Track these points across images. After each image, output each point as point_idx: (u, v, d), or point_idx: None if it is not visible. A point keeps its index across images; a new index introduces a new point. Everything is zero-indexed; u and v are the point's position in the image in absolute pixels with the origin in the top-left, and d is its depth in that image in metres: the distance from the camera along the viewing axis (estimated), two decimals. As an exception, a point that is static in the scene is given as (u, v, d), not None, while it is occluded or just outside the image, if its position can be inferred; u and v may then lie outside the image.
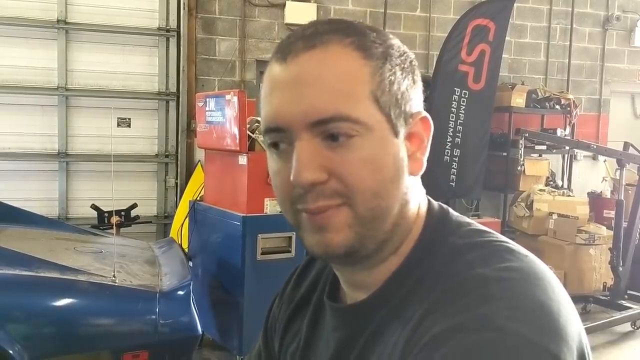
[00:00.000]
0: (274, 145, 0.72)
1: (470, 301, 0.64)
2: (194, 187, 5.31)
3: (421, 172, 0.75)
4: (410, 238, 0.76)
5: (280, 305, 0.94)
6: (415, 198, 0.76)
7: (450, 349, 0.62)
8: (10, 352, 2.76)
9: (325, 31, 0.70)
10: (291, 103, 0.69)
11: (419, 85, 0.76)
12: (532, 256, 0.72)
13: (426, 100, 0.78)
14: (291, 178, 0.68)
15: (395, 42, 0.74)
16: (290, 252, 3.88)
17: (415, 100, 0.74)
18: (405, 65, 0.73)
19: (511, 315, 0.62)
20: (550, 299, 0.66)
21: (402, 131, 0.72)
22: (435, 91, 5.78)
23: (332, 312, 0.82)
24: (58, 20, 5.60)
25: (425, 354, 0.64)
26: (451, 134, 5.92)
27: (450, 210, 0.80)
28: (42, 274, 3.03)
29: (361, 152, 0.68)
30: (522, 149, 5.66)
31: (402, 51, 0.74)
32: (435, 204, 0.80)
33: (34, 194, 5.60)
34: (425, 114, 0.75)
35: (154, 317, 3.02)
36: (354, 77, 0.69)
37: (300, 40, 0.70)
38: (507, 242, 0.73)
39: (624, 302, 5.39)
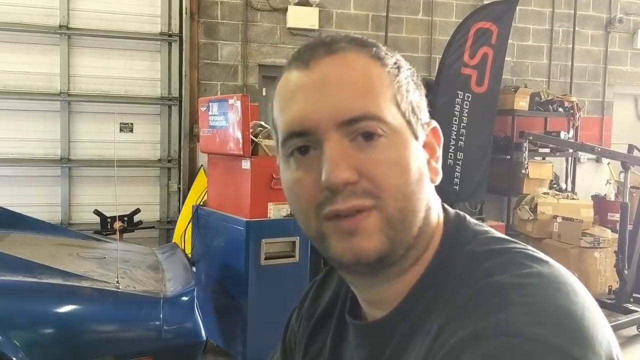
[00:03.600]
0: (298, 150, 0.70)
1: (488, 309, 0.63)
2: (197, 192, 5.30)
3: (439, 180, 0.75)
4: (430, 247, 0.75)
5: (300, 319, 0.92)
6: (436, 205, 0.76)
7: (468, 358, 0.60)
8: (14, 359, 2.75)
9: (343, 40, 0.72)
10: (318, 103, 0.68)
11: (424, 99, 0.77)
12: (553, 262, 0.70)
13: (429, 103, 0.77)
14: (323, 178, 0.67)
15: (401, 56, 0.76)
16: (294, 256, 3.86)
17: (426, 111, 0.76)
18: (414, 78, 0.75)
19: (531, 320, 0.61)
20: (573, 303, 0.63)
21: (420, 136, 0.73)
22: (438, 94, 5.76)
23: (354, 329, 0.81)
24: (60, 26, 5.60)
25: None
26: (454, 137, 5.91)
27: (467, 217, 0.78)
28: (45, 280, 3.02)
29: (389, 153, 0.68)
30: (526, 151, 5.65)
31: (409, 66, 0.76)
32: (452, 212, 0.79)
33: (36, 199, 5.59)
34: (435, 124, 0.76)
35: (157, 323, 3.00)
36: (378, 79, 0.70)
37: (320, 47, 0.71)
38: (526, 249, 0.72)
39: (629, 305, 5.35)
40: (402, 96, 0.71)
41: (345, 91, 0.68)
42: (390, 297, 0.75)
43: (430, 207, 0.74)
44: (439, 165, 0.75)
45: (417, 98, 0.74)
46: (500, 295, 0.64)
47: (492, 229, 0.77)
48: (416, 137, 0.72)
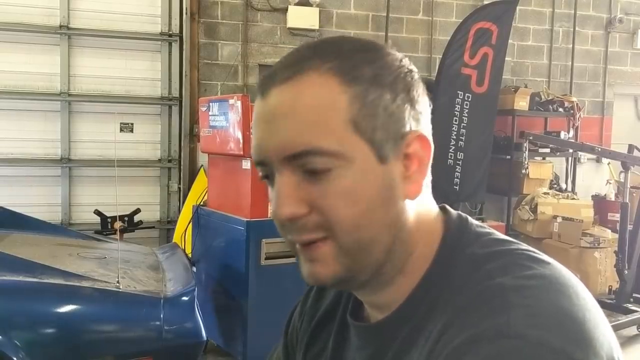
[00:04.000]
0: (264, 177, 0.73)
1: (489, 311, 0.63)
2: (197, 192, 5.30)
3: (417, 196, 0.71)
4: (426, 251, 0.74)
5: (302, 316, 0.92)
6: (420, 218, 0.73)
7: None
8: (15, 359, 2.75)
9: (306, 57, 0.69)
10: (268, 138, 0.69)
11: (421, 101, 0.72)
12: (555, 263, 0.69)
13: (429, 104, 0.76)
14: (272, 212, 0.69)
15: (390, 59, 0.71)
16: (294, 256, 3.86)
17: (410, 119, 0.70)
18: (398, 85, 0.70)
19: (532, 323, 0.60)
20: (575, 306, 0.63)
21: (391, 155, 0.69)
22: (438, 94, 5.77)
23: (356, 330, 0.80)
24: (60, 26, 5.61)
25: None
26: (454, 137, 5.91)
27: (470, 219, 0.77)
28: (45, 280, 3.02)
29: (340, 184, 0.67)
30: (526, 151, 5.65)
31: (396, 69, 0.71)
32: (454, 214, 0.78)
33: (36, 199, 5.59)
34: (422, 132, 0.71)
35: (158, 323, 3.00)
36: (329, 106, 0.67)
37: (279, 72, 0.69)
38: (529, 250, 0.71)
39: (629, 305, 5.36)
40: (365, 115, 0.67)
41: (291, 124, 0.67)
42: (389, 300, 0.75)
43: (403, 224, 0.71)
44: (423, 179, 0.72)
45: (394, 107, 0.69)
46: (502, 297, 0.63)
47: (494, 230, 0.77)
48: (382, 158, 0.68)
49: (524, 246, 0.73)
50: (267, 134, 0.68)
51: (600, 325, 0.64)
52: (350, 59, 0.69)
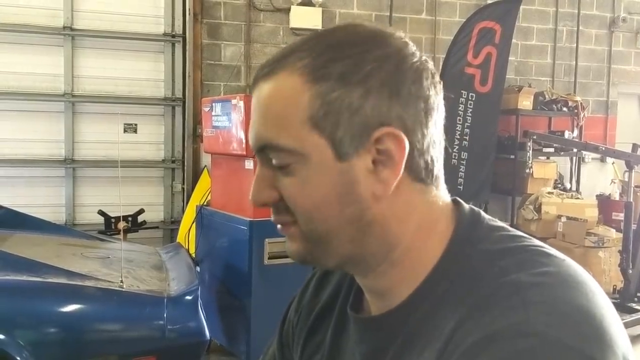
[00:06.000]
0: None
1: (505, 308, 0.62)
2: (201, 192, 5.30)
3: (386, 194, 0.70)
4: (423, 247, 0.73)
5: (300, 311, 0.91)
6: (416, 212, 0.73)
7: (487, 359, 0.59)
8: (18, 358, 2.76)
9: (288, 54, 0.72)
10: (249, 130, 0.75)
11: (410, 98, 0.70)
12: (569, 260, 0.69)
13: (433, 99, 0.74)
14: None
15: (376, 54, 0.70)
16: (294, 260, 3.85)
17: (386, 116, 0.69)
18: (373, 81, 0.68)
19: (550, 321, 0.59)
20: (591, 303, 0.63)
21: (354, 152, 0.69)
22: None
23: (355, 323, 0.80)
24: (64, 27, 5.62)
25: None
26: (458, 137, 5.90)
27: (482, 214, 0.76)
28: (49, 280, 3.03)
29: (296, 178, 0.71)
30: (530, 151, 5.63)
31: (378, 65, 0.69)
32: (466, 208, 0.76)
33: (40, 200, 5.60)
34: (394, 130, 0.69)
35: (161, 322, 3.00)
36: (290, 104, 0.70)
37: (264, 68, 0.74)
38: (542, 247, 0.70)
39: (633, 304, 5.34)
40: (326, 112, 0.68)
41: (259, 121, 0.72)
42: (386, 289, 0.74)
43: (371, 221, 0.71)
44: (394, 177, 0.70)
45: (362, 103, 0.68)
46: (518, 295, 0.62)
47: (506, 225, 0.76)
48: (340, 156, 0.69)
49: (537, 242, 0.72)
50: (250, 126, 0.74)
51: (615, 323, 0.63)
52: (324, 56, 0.70)
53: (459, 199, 0.78)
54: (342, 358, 0.82)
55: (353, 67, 0.69)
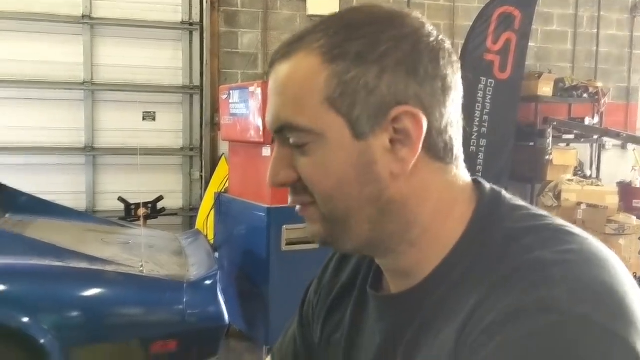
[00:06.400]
0: None
1: (528, 285, 0.61)
2: (219, 180, 5.34)
3: (404, 173, 0.70)
4: (442, 227, 0.73)
5: (320, 291, 0.92)
6: (436, 190, 0.73)
7: (508, 336, 0.59)
8: (42, 341, 2.81)
9: (304, 35, 0.73)
10: (267, 112, 0.75)
11: (428, 77, 0.70)
12: (592, 239, 0.68)
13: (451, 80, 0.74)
14: None
15: (392, 34, 0.70)
16: (314, 242, 3.87)
17: (404, 95, 0.69)
18: (389, 60, 0.69)
19: (574, 298, 0.59)
20: (615, 280, 0.62)
21: (371, 131, 0.70)
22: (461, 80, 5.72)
23: (375, 301, 0.80)
24: (83, 16, 5.66)
25: (480, 342, 0.61)
26: (477, 123, 5.85)
27: (503, 192, 0.76)
28: (72, 265, 3.08)
29: (314, 158, 0.71)
30: (550, 138, 5.58)
31: (394, 44, 0.69)
32: (487, 187, 0.76)
33: (61, 187, 5.67)
34: (412, 108, 0.69)
35: (181, 307, 3.05)
36: (307, 84, 0.70)
37: (281, 49, 0.74)
38: (566, 226, 0.70)
39: (655, 293, 5.28)
40: (342, 92, 0.69)
41: (277, 101, 0.73)
42: (411, 267, 0.74)
43: (391, 200, 0.71)
44: (412, 157, 0.70)
45: (379, 82, 0.68)
46: (543, 272, 0.62)
47: (528, 204, 0.76)
48: (358, 135, 0.69)
49: (560, 221, 0.71)
50: (267, 108, 0.75)
51: (638, 300, 0.63)
52: (340, 36, 0.70)
53: (479, 178, 0.78)
54: (361, 336, 0.82)
55: (369, 47, 0.69)
